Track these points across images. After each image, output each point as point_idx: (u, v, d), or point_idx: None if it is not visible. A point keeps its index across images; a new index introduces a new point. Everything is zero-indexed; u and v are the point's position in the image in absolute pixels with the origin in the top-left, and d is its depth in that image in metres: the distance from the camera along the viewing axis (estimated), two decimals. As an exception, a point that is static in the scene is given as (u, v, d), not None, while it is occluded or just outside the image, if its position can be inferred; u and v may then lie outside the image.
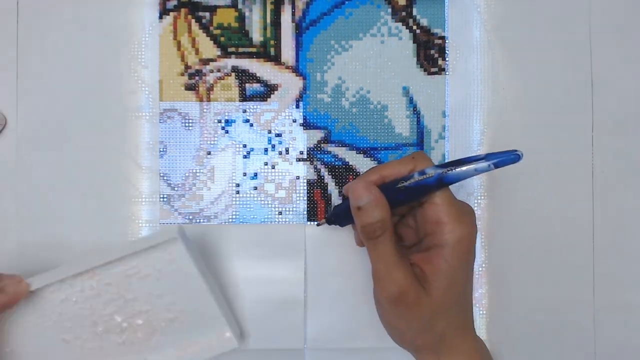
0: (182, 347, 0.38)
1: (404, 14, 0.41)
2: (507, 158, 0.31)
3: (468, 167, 0.32)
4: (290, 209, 0.41)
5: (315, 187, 0.41)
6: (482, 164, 0.32)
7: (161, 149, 0.40)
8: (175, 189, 0.40)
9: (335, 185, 0.41)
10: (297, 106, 0.41)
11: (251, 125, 0.41)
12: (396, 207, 0.33)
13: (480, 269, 0.40)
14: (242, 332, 0.40)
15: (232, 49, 0.41)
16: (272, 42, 0.41)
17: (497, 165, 0.32)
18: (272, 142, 0.41)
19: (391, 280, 0.32)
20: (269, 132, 0.41)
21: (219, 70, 0.41)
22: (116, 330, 0.37)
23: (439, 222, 0.32)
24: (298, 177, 0.41)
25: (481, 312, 0.40)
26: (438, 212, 0.32)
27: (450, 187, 0.33)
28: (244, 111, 0.41)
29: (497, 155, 0.32)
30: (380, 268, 0.32)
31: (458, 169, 0.32)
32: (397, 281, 0.32)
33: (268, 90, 0.41)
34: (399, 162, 0.33)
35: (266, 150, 0.41)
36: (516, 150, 0.31)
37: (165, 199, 0.40)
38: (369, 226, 0.32)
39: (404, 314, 0.32)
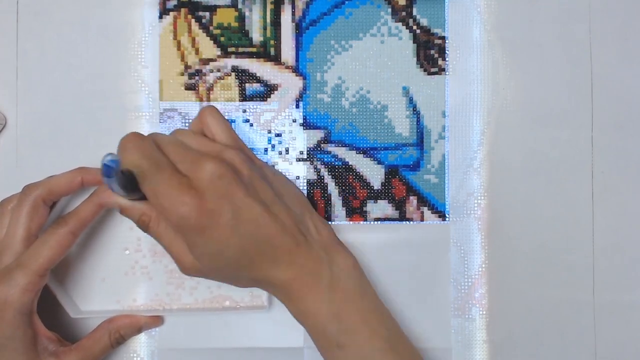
0: (216, 298, 0.39)
1: (404, 14, 0.41)
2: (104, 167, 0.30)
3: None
4: (290, 209, 0.40)
5: (315, 187, 0.41)
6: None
7: (161, 149, 0.40)
8: (175, 189, 0.40)
9: (335, 185, 0.41)
10: (297, 106, 0.41)
11: (251, 125, 0.41)
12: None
13: (480, 269, 0.40)
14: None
15: (232, 49, 0.41)
16: (272, 42, 0.41)
17: (104, 174, 0.31)
18: (272, 142, 0.41)
19: (174, 259, 0.34)
20: (269, 132, 0.41)
21: (219, 70, 0.41)
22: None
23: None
24: (298, 177, 0.41)
25: (481, 312, 0.40)
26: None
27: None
28: (244, 111, 0.41)
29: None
30: (165, 249, 0.34)
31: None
32: (176, 258, 0.34)
33: (268, 90, 0.41)
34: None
35: (266, 150, 0.41)
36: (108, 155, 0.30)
37: (165, 199, 0.40)
38: (136, 223, 0.34)
39: (206, 276, 0.35)
